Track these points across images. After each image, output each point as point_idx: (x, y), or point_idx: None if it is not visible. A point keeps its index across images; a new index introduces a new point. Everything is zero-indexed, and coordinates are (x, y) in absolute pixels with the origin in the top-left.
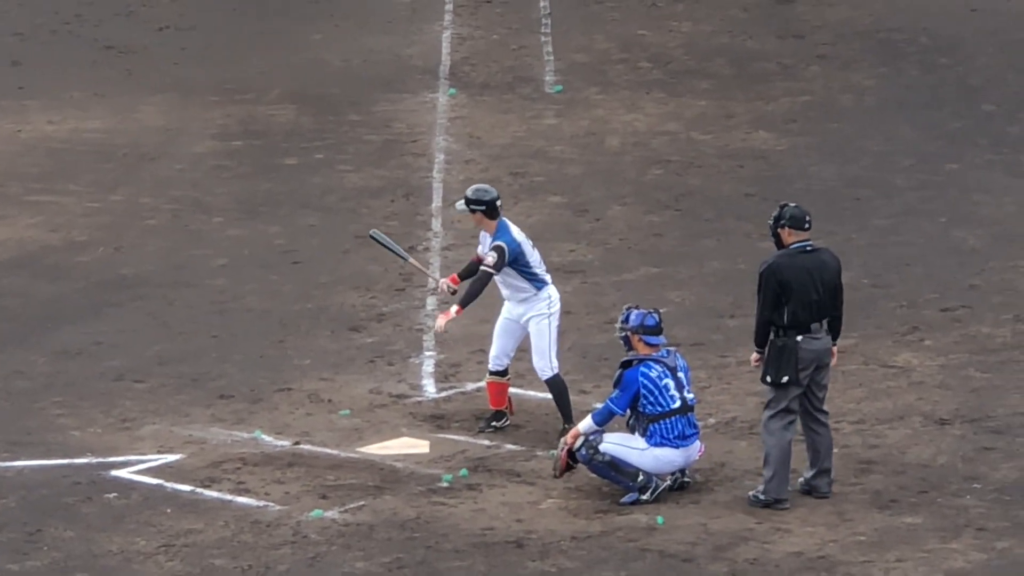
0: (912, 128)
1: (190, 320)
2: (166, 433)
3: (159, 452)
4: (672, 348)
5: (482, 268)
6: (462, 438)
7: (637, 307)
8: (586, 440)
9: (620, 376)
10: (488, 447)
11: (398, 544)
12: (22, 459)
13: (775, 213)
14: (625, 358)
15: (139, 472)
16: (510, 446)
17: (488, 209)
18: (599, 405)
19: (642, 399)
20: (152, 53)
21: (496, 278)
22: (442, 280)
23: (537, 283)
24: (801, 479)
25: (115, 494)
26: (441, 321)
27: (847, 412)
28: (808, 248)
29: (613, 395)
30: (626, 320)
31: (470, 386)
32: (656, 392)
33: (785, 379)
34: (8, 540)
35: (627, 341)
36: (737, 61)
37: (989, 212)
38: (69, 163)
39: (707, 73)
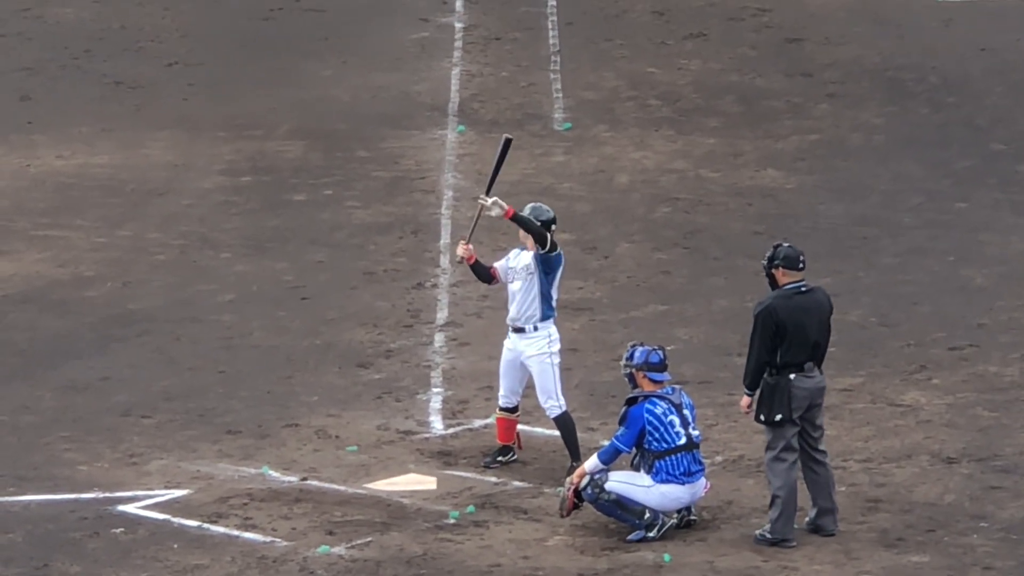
0: (920, 167)
1: (197, 356)
2: (173, 468)
3: (166, 487)
4: (677, 385)
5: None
6: (469, 475)
7: (642, 344)
8: (592, 479)
9: (625, 413)
10: (495, 484)
11: None
12: (29, 494)
13: (769, 253)
14: (630, 395)
15: (146, 507)
16: (517, 483)
17: (542, 227)
18: (606, 443)
19: (647, 436)
20: (160, 89)
21: (513, 288)
22: (463, 247)
23: (547, 309)
24: (807, 518)
25: (122, 529)
26: (487, 202)
27: (854, 450)
28: (803, 288)
29: (618, 432)
30: (631, 357)
31: (477, 423)
32: (661, 428)
33: (779, 417)
34: (15, 575)
35: (632, 378)
36: (746, 99)
37: (997, 251)
38: (77, 198)
39: (716, 111)
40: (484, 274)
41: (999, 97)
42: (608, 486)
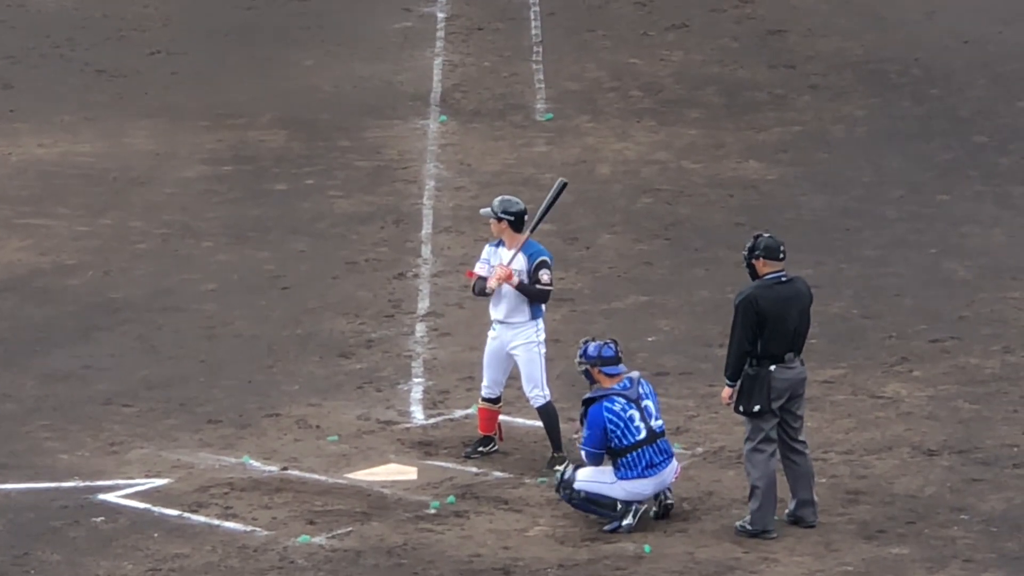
0: (903, 159)
1: (178, 345)
2: (154, 457)
3: (147, 476)
4: (634, 375)
5: (540, 287)
6: (450, 465)
7: (593, 339)
8: (561, 480)
9: (585, 413)
10: (476, 474)
11: (385, 571)
12: (9, 482)
13: (749, 244)
14: (587, 395)
15: (127, 496)
16: (498, 473)
17: (516, 220)
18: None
19: (610, 434)
20: (143, 77)
21: (500, 289)
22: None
23: (536, 310)
24: (787, 510)
25: (102, 518)
26: (501, 273)
27: (835, 442)
28: (784, 278)
29: (584, 436)
30: (584, 354)
31: (458, 413)
32: (622, 425)
33: (757, 408)
34: None
35: (588, 375)
36: (728, 91)
37: (979, 244)
38: (59, 187)
39: (698, 102)
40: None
41: (982, 89)
42: (576, 485)
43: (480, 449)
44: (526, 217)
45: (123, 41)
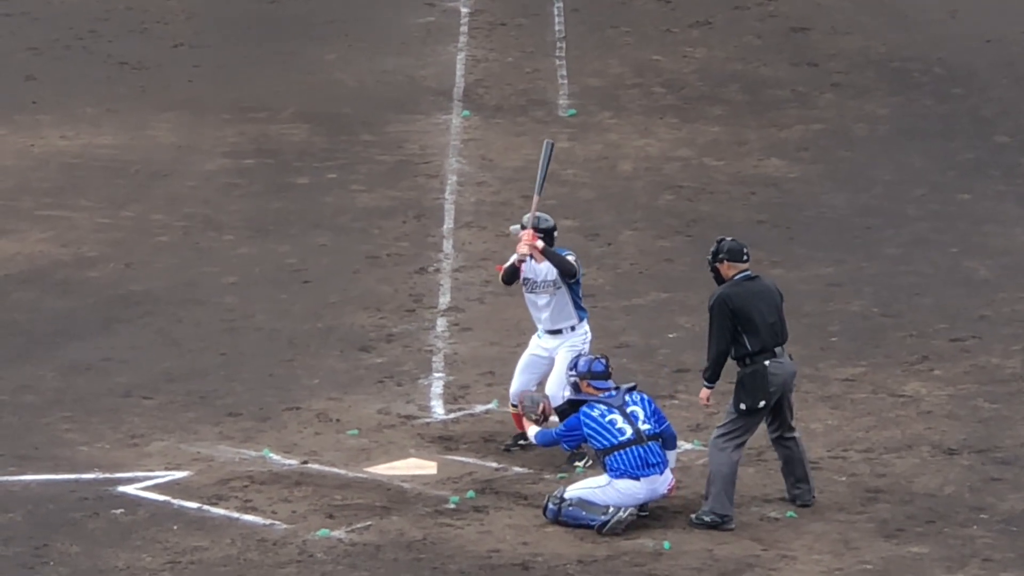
0: (924, 158)
1: (199, 338)
2: (174, 450)
3: (166, 469)
4: (623, 387)
5: (569, 260)
6: (470, 460)
7: (586, 354)
8: (550, 495)
9: (567, 416)
10: (496, 469)
11: (404, 565)
12: (29, 474)
13: (712, 248)
14: (573, 398)
15: (146, 488)
16: (517, 469)
17: (545, 237)
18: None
19: (589, 439)
20: (166, 70)
21: (539, 301)
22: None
23: (581, 311)
24: (785, 491)
25: (122, 510)
26: (526, 236)
27: (855, 441)
28: (751, 275)
29: (560, 430)
30: (574, 367)
31: (479, 408)
32: (601, 429)
33: (762, 404)
34: (15, 555)
35: (576, 387)
36: (751, 88)
37: (1000, 243)
38: (81, 178)
39: (720, 99)
40: (515, 277)
41: (1004, 89)
42: (568, 495)
43: (520, 442)
44: (555, 234)
45: (146, 34)
